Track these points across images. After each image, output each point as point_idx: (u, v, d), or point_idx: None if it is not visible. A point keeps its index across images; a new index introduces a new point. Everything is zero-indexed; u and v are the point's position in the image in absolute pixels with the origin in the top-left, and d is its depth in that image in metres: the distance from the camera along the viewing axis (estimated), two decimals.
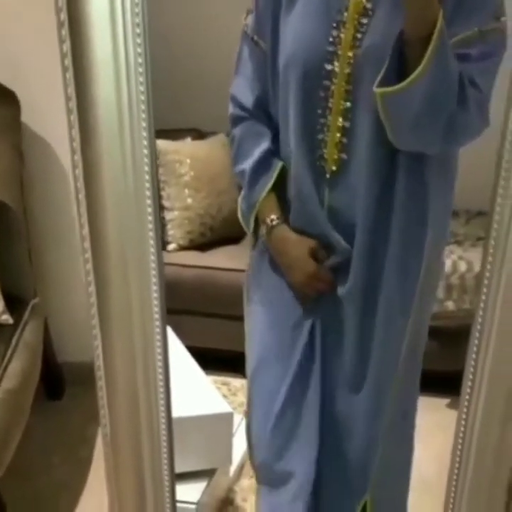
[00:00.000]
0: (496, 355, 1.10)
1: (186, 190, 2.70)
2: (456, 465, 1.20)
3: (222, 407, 1.86)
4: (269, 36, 1.23)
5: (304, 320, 1.37)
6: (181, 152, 2.73)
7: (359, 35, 1.13)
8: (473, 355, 1.13)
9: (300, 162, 1.25)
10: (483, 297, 1.06)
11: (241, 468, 2.11)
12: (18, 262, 2.06)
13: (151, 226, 0.99)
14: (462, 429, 1.18)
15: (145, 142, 0.94)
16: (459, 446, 1.18)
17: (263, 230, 1.34)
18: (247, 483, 2.08)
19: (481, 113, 1.13)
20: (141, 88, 0.91)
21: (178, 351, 2.02)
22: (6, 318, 1.94)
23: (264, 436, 1.42)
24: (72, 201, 2.29)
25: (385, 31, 1.10)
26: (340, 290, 1.31)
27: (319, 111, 1.20)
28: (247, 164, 1.32)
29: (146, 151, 0.94)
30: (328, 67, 1.16)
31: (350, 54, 1.14)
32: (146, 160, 0.95)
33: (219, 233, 2.76)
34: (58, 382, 2.45)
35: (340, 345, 1.35)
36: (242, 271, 2.63)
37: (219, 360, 2.17)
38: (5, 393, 1.73)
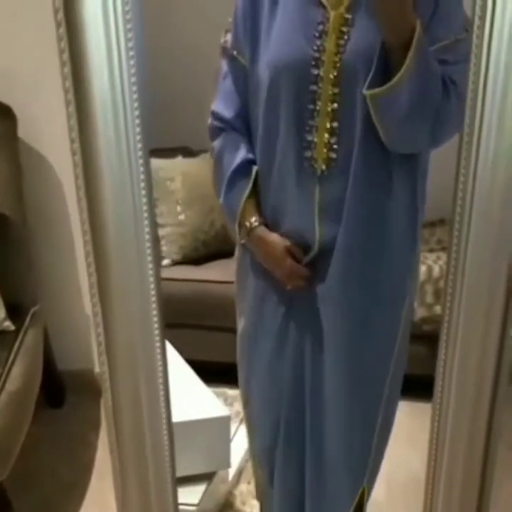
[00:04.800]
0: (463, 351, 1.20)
1: (178, 207, 2.74)
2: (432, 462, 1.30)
3: (219, 410, 1.89)
4: (249, 50, 1.29)
5: (286, 327, 1.42)
6: (173, 170, 2.76)
7: (342, 42, 1.21)
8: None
9: (290, 164, 1.29)
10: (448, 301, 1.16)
11: (239, 473, 2.13)
12: (19, 271, 2.11)
13: (146, 215, 1.08)
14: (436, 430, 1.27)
15: (138, 129, 1.03)
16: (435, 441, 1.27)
17: (243, 232, 1.38)
18: (246, 488, 2.09)
19: (461, 105, 1.22)
20: (134, 87, 1.01)
21: (174, 360, 2.05)
22: (8, 324, 2.00)
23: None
24: (68, 212, 2.37)
25: (367, 37, 1.18)
26: (320, 288, 1.34)
27: (308, 114, 1.25)
28: (226, 173, 1.36)
29: (139, 137, 1.04)
30: (315, 72, 1.23)
31: (335, 59, 1.21)
32: (139, 145, 1.04)
33: (212, 248, 2.79)
34: (59, 389, 2.48)
35: (320, 344, 1.39)
36: None
37: (214, 371, 2.19)
38: (9, 395, 1.78)
